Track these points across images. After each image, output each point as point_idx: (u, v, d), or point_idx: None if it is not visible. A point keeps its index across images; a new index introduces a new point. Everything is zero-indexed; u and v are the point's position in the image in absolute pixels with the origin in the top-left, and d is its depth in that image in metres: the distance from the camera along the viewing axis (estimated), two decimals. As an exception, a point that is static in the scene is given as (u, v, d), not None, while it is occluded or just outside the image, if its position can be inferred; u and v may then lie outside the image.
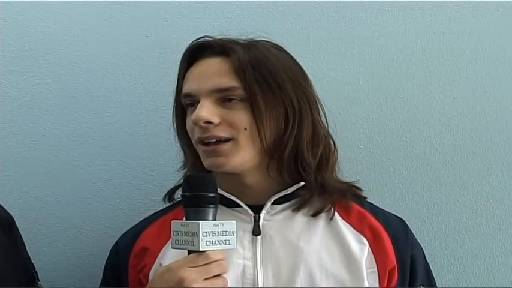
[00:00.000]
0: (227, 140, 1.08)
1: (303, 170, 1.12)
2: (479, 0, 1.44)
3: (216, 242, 0.97)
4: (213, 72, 1.10)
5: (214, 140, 1.08)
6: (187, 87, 1.13)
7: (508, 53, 1.43)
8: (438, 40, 1.44)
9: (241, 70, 1.08)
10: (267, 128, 1.09)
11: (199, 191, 1.00)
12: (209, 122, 1.07)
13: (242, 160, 1.09)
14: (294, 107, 1.10)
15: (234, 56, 1.09)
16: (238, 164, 1.09)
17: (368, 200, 1.21)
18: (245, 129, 1.08)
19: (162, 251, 1.14)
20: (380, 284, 1.09)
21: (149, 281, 1.07)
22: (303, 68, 1.18)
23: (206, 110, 1.07)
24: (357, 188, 1.20)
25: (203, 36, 1.16)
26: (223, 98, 1.09)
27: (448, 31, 1.44)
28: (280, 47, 1.17)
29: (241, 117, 1.08)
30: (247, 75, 1.08)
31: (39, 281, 1.20)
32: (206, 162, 1.11)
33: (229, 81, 1.09)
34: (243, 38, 1.15)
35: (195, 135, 1.11)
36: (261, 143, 1.09)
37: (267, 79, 1.09)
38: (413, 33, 1.45)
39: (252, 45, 1.13)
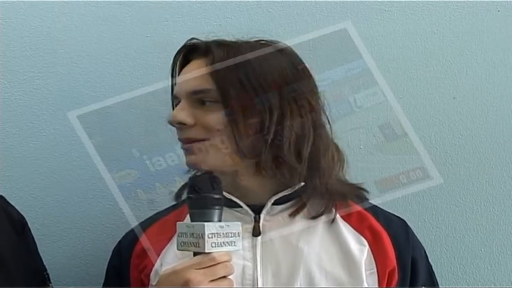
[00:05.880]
0: (201, 140, 1.08)
1: (288, 173, 1.09)
2: (479, 0, 1.44)
3: (222, 243, 0.97)
4: (191, 74, 1.10)
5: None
6: (174, 89, 1.15)
7: (508, 53, 1.44)
8: (438, 40, 1.44)
9: (215, 72, 1.07)
10: (242, 130, 1.06)
11: (205, 192, 1.00)
12: (183, 123, 1.08)
13: (218, 161, 1.08)
14: (272, 109, 1.07)
15: (210, 57, 1.09)
16: (215, 164, 1.08)
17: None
18: (218, 130, 1.07)
19: (163, 252, 1.13)
20: (379, 285, 1.09)
21: (155, 283, 1.07)
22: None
23: (181, 111, 1.08)
24: (363, 189, 1.19)
25: (191, 39, 1.15)
26: (199, 100, 1.09)
27: (448, 31, 1.44)
28: (280, 47, 1.13)
29: (215, 118, 1.07)
30: (220, 77, 1.07)
31: (50, 282, 1.21)
32: (185, 161, 1.11)
33: (204, 83, 1.08)
34: (238, 38, 1.13)
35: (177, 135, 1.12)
36: (236, 144, 1.07)
37: (242, 81, 1.07)
38: (413, 33, 1.45)
39: (238, 46, 1.10)
